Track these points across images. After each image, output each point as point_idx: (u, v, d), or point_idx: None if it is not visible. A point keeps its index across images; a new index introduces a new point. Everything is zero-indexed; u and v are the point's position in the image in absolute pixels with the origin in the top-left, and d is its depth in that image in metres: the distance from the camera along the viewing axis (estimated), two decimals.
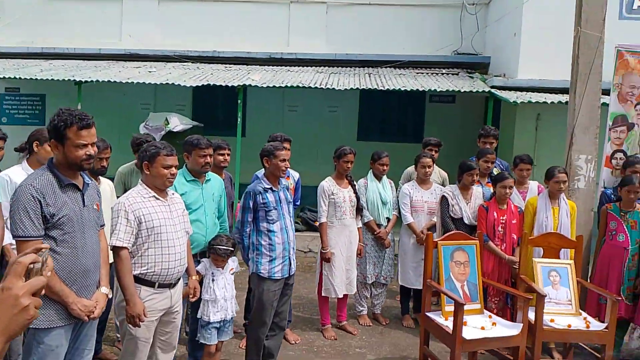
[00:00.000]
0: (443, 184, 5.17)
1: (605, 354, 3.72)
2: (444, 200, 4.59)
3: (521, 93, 6.86)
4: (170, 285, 2.93)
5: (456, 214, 4.54)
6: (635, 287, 4.18)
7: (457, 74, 8.41)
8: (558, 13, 6.41)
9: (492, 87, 7.26)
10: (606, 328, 3.74)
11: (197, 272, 3.41)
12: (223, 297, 3.50)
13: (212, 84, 7.26)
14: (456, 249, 3.96)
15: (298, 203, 4.71)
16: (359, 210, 4.57)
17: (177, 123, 7.23)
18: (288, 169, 3.83)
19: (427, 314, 3.90)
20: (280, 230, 3.60)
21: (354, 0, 9.14)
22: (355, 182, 4.63)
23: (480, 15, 8.82)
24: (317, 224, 7.25)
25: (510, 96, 6.66)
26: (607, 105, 4.62)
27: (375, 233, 4.72)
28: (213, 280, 3.51)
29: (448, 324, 3.65)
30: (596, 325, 3.83)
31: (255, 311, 3.65)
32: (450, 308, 3.72)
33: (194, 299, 3.26)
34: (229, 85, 7.20)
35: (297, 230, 4.49)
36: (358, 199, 4.55)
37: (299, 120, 9.33)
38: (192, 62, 9.07)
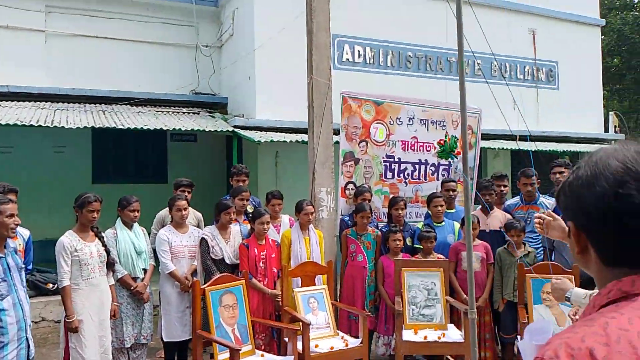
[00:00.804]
0: (199, 226, 5.02)
1: None
2: (203, 242, 4.45)
3: (262, 132, 7.30)
4: None
5: (217, 255, 4.45)
6: (375, 300, 4.81)
7: (198, 113, 8.44)
8: (287, 60, 7.13)
9: (235, 126, 7.53)
10: (361, 343, 4.17)
11: None
12: None
13: None
14: (224, 293, 3.87)
15: (30, 267, 3.89)
16: (109, 265, 4.01)
17: None
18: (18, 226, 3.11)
19: None
20: (12, 306, 2.85)
21: (76, 32, 8.26)
22: (102, 234, 4.07)
23: (215, 57, 9.11)
24: (50, 286, 6.19)
25: (253, 135, 7.02)
26: (339, 143, 5.26)
27: (132, 289, 4.21)
28: None
29: None
30: (353, 342, 4.23)
31: None
32: (223, 356, 3.58)
33: None
34: None
35: None
36: (108, 252, 4.00)
37: (16, 164, 7.86)
38: None
